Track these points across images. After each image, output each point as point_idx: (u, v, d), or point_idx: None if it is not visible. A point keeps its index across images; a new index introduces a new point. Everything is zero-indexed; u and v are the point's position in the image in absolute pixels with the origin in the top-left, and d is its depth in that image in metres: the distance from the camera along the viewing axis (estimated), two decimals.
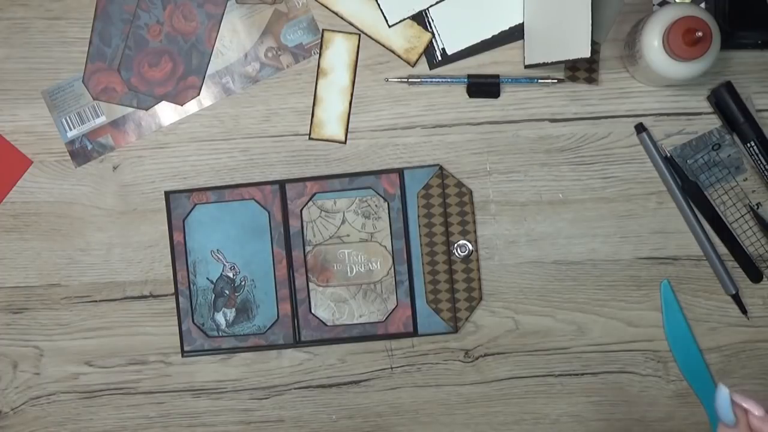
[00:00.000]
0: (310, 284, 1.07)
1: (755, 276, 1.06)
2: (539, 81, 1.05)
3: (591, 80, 1.06)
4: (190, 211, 1.07)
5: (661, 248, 1.07)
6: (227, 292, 1.07)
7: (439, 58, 1.06)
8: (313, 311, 1.07)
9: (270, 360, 1.08)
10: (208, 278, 1.07)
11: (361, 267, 1.06)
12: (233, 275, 1.07)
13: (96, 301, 1.08)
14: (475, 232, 1.06)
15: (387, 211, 1.06)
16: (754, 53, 1.05)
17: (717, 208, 1.06)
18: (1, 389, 1.09)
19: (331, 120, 1.07)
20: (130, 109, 1.07)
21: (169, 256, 1.07)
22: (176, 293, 1.07)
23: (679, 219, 1.06)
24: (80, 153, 1.07)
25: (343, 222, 1.06)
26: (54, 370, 1.08)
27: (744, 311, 1.06)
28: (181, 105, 1.07)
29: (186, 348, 1.07)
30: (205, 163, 1.07)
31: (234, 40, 1.06)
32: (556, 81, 1.05)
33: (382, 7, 1.05)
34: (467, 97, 1.06)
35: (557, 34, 1.01)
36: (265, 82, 1.07)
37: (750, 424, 0.88)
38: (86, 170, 1.08)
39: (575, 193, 1.07)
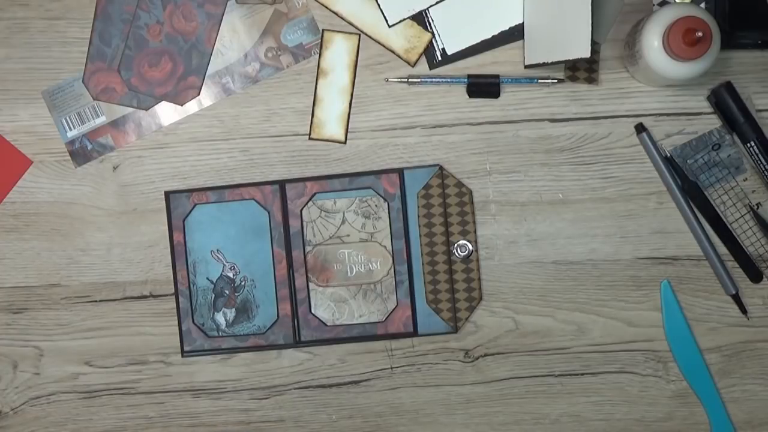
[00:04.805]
0: (310, 284, 1.07)
1: (755, 276, 1.06)
2: (539, 81, 1.05)
3: (591, 80, 1.06)
4: (190, 211, 1.07)
5: (661, 248, 1.07)
6: (227, 292, 1.07)
7: (439, 58, 1.06)
8: (313, 311, 1.07)
9: (270, 360, 1.08)
10: (208, 278, 1.07)
11: (361, 267, 1.06)
12: (233, 275, 1.07)
13: (96, 301, 1.08)
14: (475, 232, 1.06)
15: (387, 211, 1.06)
16: (754, 53, 1.05)
17: (717, 208, 1.06)
18: (1, 389, 1.09)
19: (331, 120, 1.07)
20: (130, 109, 1.07)
21: (169, 256, 1.07)
22: (176, 293, 1.07)
23: (679, 219, 1.06)
24: (80, 153, 1.07)
25: (343, 222, 1.06)
26: (54, 370, 1.08)
27: (744, 311, 1.06)
28: (181, 105, 1.07)
29: (186, 348, 1.07)
30: (205, 163, 1.07)
31: (234, 40, 1.06)
32: (556, 81, 1.05)
33: (382, 7, 1.05)
34: (467, 97, 1.06)
35: (557, 34, 1.01)
36: (265, 82, 1.07)
37: None
38: (86, 170, 1.08)
39: (575, 193, 1.07)
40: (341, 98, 1.06)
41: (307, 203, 1.06)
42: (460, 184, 1.06)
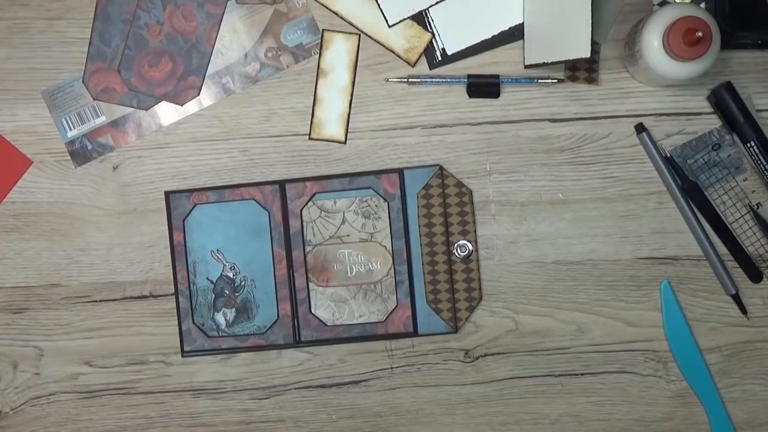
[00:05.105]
0: (310, 284, 1.07)
1: (755, 276, 1.06)
2: (539, 81, 1.05)
3: (591, 80, 1.06)
4: (190, 211, 1.07)
5: (661, 248, 1.07)
6: (227, 292, 1.07)
7: (439, 58, 1.06)
8: (313, 311, 1.07)
9: (270, 360, 1.08)
10: (208, 278, 1.07)
11: (361, 267, 1.06)
12: (233, 275, 1.07)
13: (96, 301, 1.08)
14: (475, 232, 1.06)
15: (387, 211, 1.06)
16: (754, 53, 1.05)
17: (717, 208, 1.06)
18: (1, 389, 1.09)
19: (331, 120, 1.07)
20: (130, 109, 1.07)
21: (169, 256, 1.07)
22: (176, 293, 1.07)
23: (679, 219, 1.06)
24: (80, 153, 1.07)
25: (343, 222, 1.06)
26: (54, 370, 1.08)
27: (744, 311, 1.06)
28: (181, 105, 1.07)
29: (186, 348, 1.07)
30: (205, 163, 1.07)
31: (234, 40, 1.06)
32: (556, 81, 1.05)
33: (382, 7, 1.05)
34: (467, 97, 1.06)
35: (557, 34, 1.01)
36: (265, 82, 1.07)
37: None
38: (86, 170, 1.08)
39: (575, 193, 1.07)
40: (341, 98, 1.06)
41: (307, 203, 1.06)
42: (460, 184, 1.06)
